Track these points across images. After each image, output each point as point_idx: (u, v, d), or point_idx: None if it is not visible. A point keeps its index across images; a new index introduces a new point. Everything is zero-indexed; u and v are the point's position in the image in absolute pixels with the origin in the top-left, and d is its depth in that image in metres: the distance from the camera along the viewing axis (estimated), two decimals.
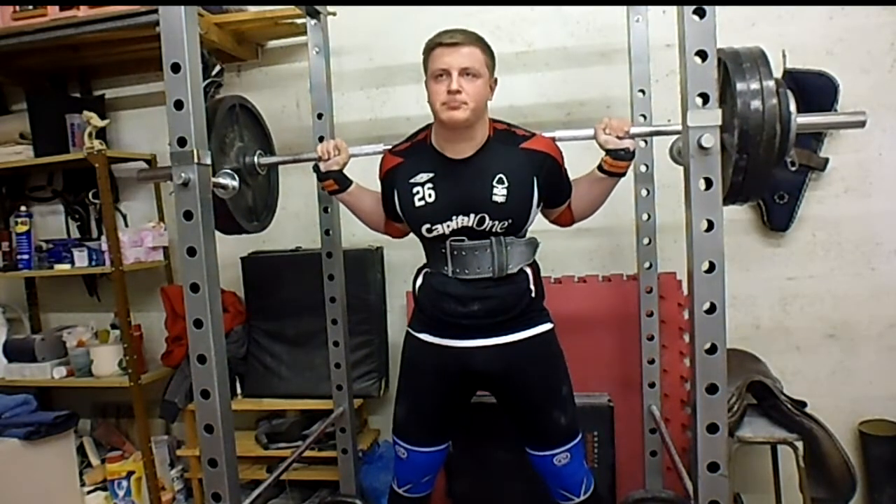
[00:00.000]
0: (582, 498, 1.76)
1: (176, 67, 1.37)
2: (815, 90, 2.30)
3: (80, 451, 2.89)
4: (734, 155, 1.39)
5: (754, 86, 1.37)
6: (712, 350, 1.33)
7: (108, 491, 2.76)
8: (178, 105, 1.38)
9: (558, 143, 1.71)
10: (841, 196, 2.38)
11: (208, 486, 1.47)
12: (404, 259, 2.69)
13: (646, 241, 2.27)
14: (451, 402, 1.80)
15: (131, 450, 2.87)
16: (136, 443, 2.86)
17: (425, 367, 1.77)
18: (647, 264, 2.28)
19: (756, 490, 2.43)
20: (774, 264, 2.45)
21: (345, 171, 1.84)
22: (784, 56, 2.33)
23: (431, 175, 1.66)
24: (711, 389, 1.33)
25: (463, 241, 1.66)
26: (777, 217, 2.39)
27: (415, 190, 1.67)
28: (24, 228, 2.79)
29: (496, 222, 1.63)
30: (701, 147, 1.29)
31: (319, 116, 2.25)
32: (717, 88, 1.31)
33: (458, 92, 1.54)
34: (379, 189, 1.81)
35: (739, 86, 1.37)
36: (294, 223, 2.79)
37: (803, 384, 2.36)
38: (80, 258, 2.74)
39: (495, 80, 1.67)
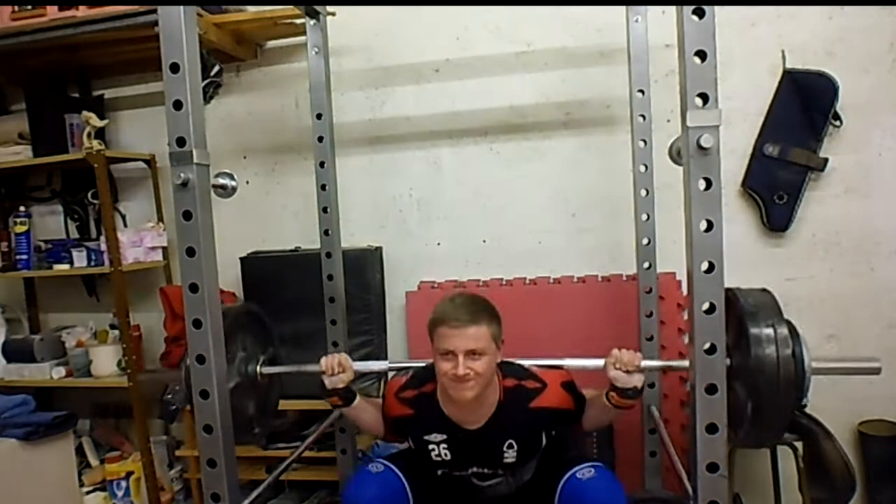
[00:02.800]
0: None
1: (175, 67, 1.37)
2: (815, 90, 2.30)
3: (79, 451, 2.88)
4: (749, 414, 1.42)
5: (769, 339, 1.39)
6: (711, 350, 1.33)
7: (107, 491, 2.76)
8: (177, 105, 1.37)
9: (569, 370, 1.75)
10: (840, 196, 2.38)
11: (207, 487, 1.47)
12: (404, 259, 2.70)
13: (645, 241, 2.27)
14: (451, 495, 1.86)
15: (130, 450, 2.87)
16: (135, 443, 2.85)
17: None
18: (646, 264, 2.28)
19: (756, 490, 2.42)
20: (774, 264, 2.44)
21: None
22: (784, 56, 2.33)
23: (444, 437, 1.71)
24: (710, 390, 1.33)
25: (481, 478, 1.76)
26: (776, 217, 2.39)
27: (430, 447, 1.73)
28: (23, 228, 2.79)
29: (508, 471, 1.73)
30: (700, 147, 1.28)
31: (319, 117, 2.24)
32: (716, 89, 1.31)
33: (467, 376, 1.57)
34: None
35: (753, 332, 1.40)
36: (293, 223, 2.79)
37: None
38: (79, 258, 2.74)
39: (502, 341, 1.68)
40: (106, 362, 2.75)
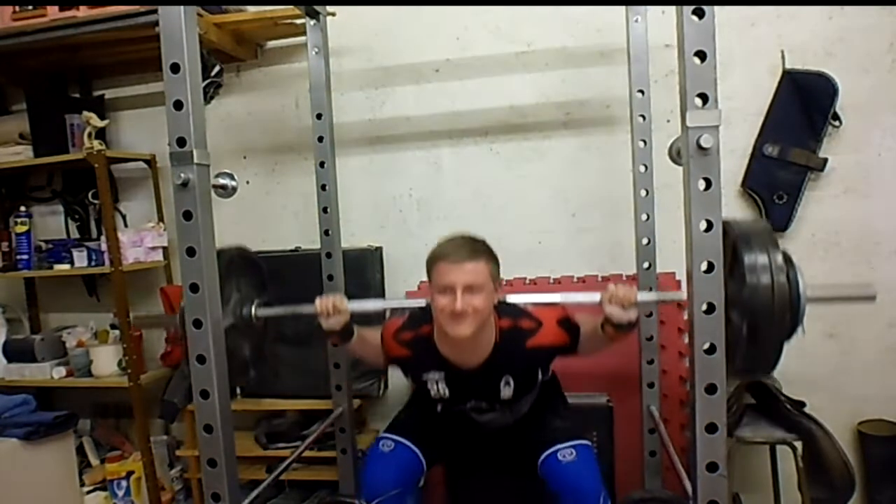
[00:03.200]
0: None
1: (175, 68, 1.37)
2: (814, 91, 2.30)
3: (80, 451, 2.88)
4: (744, 345, 1.42)
5: (763, 261, 1.38)
6: (711, 350, 1.33)
7: (107, 491, 2.76)
8: (178, 105, 1.38)
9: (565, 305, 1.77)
10: (840, 196, 2.38)
11: (207, 487, 1.47)
12: (404, 259, 2.70)
13: (645, 241, 2.27)
14: (455, 444, 1.89)
15: (131, 450, 2.87)
16: (136, 443, 2.85)
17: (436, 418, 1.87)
18: (646, 264, 2.28)
19: (755, 490, 2.43)
20: None
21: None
22: (783, 56, 2.33)
23: (442, 374, 1.73)
24: (710, 389, 1.33)
25: (478, 415, 1.79)
26: (776, 217, 2.39)
27: (429, 385, 1.76)
28: (24, 228, 2.79)
29: (506, 406, 1.75)
30: (700, 147, 1.28)
31: (319, 117, 2.25)
32: (716, 89, 1.31)
33: (464, 312, 1.57)
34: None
35: (748, 259, 1.39)
36: (293, 223, 2.79)
37: (803, 384, 2.36)
38: (80, 258, 2.74)
39: (501, 282, 1.68)
40: (106, 362, 2.75)
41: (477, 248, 1.61)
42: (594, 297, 1.62)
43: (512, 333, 1.69)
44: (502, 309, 1.72)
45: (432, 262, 1.62)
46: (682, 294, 1.48)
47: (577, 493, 1.69)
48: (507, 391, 1.71)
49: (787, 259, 1.42)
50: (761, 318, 1.38)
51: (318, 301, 1.77)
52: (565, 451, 1.72)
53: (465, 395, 1.75)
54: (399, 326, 1.81)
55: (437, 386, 1.74)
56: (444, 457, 1.92)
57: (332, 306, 1.74)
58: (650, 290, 2.28)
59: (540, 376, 1.76)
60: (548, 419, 1.83)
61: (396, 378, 2.63)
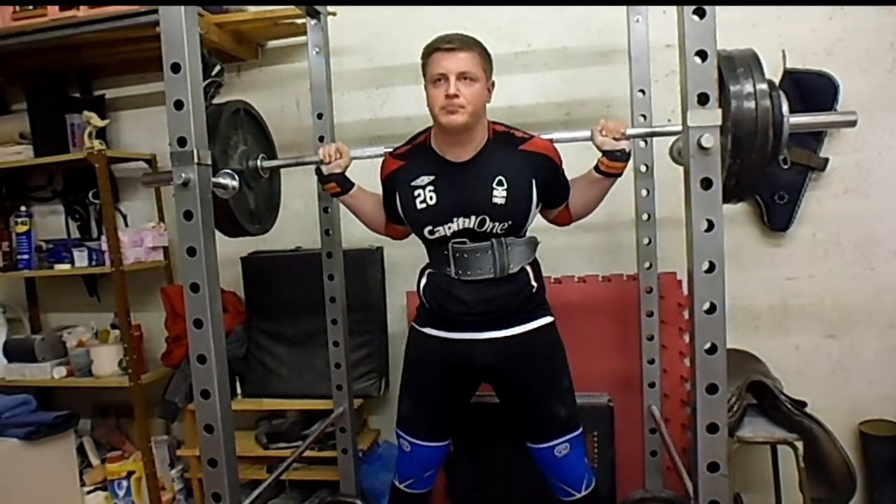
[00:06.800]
0: (583, 493, 1.77)
1: (176, 67, 1.37)
2: (814, 90, 2.30)
3: (80, 451, 2.89)
4: (728, 158, 1.40)
5: (748, 88, 1.38)
6: (712, 350, 1.33)
7: (108, 491, 2.76)
8: (178, 105, 1.38)
9: (556, 145, 1.72)
10: (841, 196, 2.38)
11: (208, 486, 1.47)
12: (404, 259, 2.69)
13: (646, 241, 2.27)
14: (454, 396, 1.84)
15: (131, 450, 2.87)
16: (136, 443, 2.86)
17: (430, 360, 1.81)
18: (646, 264, 2.28)
19: (756, 490, 2.43)
20: (774, 264, 2.45)
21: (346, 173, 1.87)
22: (784, 56, 2.33)
23: (432, 178, 1.69)
24: (711, 389, 1.33)
25: (465, 242, 1.69)
26: (777, 217, 2.39)
27: (416, 192, 1.70)
28: (24, 228, 2.79)
29: (496, 223, 1.66)
30: (701, 147, 1.29)
31: (319, 116, 2.25)
32: (717, 89, 1.31)
33: (457, 96, 1.57)
34: (380, 191, 1.83)
35: (733, 89, 1.39)
36: (294, 223, 2.79)
37: (803, 384, 2.36)
38: (80, 258, 2.74)
39: (493, 83, 1.68)
40: (107, 362, 2.75)
41: (472, 41, 1.61)
42: (584, 133, 1.70)
43: (505, 135, 1.70)
44: (496, 123, 1.73)
45: (426, 54, 1.62)
46: (676, 126, 1.46)
47: (566, 481, 1.78)
48: (499, 192, 1.63)
49: (772, 85, 1.41)
50: (746, 143, 1.38)
51: (321, 149, 1.85)
52: (561, 447, 1.74)
53: (453, 203, 1.65)
54: (397, 146, 1.82)
55: (425, 193, 1.68)
56: (455, 412, 1.87)
57: (335, 150, 1.82)
58: (650, 290, 2.29)
59: (535, 195, 1.67)
60: (548, 397, 1.74)
61: (397, 379, 2.63)
